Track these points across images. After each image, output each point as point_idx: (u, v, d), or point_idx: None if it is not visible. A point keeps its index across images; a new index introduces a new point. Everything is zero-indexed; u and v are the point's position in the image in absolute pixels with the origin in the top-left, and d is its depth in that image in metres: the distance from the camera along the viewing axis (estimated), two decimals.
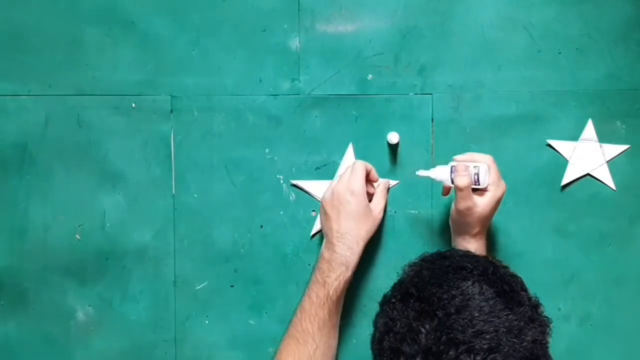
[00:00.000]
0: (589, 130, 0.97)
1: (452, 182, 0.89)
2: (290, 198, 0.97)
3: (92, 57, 0.97)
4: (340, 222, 0.89)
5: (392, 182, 0.97)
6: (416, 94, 0.97)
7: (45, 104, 0.97)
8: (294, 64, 0.97)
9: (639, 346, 0.98)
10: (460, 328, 0.65)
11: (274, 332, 0.92)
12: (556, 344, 0.97)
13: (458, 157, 0.90)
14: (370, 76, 0.97)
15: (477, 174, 0.87)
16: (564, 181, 0.97)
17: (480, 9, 0.97)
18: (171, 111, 0.97)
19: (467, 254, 0.75)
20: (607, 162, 0.98)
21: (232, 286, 0.98)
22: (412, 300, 0.69)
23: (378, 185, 0.95)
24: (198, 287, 0.98)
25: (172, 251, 0.97)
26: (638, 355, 0.98)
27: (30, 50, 0.97)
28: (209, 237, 0.98)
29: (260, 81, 0.97)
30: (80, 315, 0.97)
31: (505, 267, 0.73)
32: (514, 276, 0.72)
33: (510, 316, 0.66)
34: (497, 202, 0.88)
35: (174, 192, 0.97)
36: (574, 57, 0.97)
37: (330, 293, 0.87)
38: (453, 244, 0.92)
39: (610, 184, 0.97)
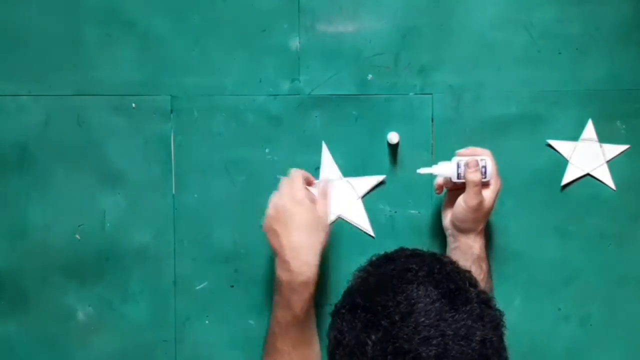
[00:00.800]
0: (589, 130, 0.97)
1: (458, 177, 0.88)
2: None
3: (92, 57, 0.97)
4: (291, 237, 0.85)
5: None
6: (416, 94, 0.97)
7: (45, 104, 0.97)
8: (294, 64, 0.97)
9: (639, 346, 0.98)
10: (405, 336, 0.63)
11: None
12: (556, 344, 0.98)
13: (461, 151, 0.90)
14: (370, 76, 0.97)
15: (485, 167, 0.88)
16: (564, 181, 0.97)
17: (480, 9, 0.97)
18: (171, 111, 0.97)
19: (414, 253, 0.72)
20: (607, 162, 0.98)
21: (232, 286, 0.98)
22: (359, 311, 0.67)
23: (317, 187, 0.92)
24: (198, 287, 0.98)
25: (172, 251, 0.97)
26: (638, 356, 0.98)
27: (30, 50, 0.97)
28: (209, 237, 0.98)
29: (260, 81, 0.97)
30: (80, 315, 0.97)
31: (453, 263, 0.71)
32: (461, 272, 0.70)
33: (456, 317, 0.64)
34: (496, 196, 0.89)
35: (174, 192, 0.97)
36: (574, 57, 0.97)
37: (297, 313, 0.84)
38: (453, 246, 0.90)
39: (610, 184, 0.97)
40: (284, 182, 0.89)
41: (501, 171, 0.96)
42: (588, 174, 0.98)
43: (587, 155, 0.97)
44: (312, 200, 0.89)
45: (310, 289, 0.85)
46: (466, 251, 0.89)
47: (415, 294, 0.65)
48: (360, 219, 0.97)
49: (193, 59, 0.97)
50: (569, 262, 0.98)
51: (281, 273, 0.85)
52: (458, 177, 0.88)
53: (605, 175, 0.98)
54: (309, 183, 0.93)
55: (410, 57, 0.97)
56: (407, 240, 0.97)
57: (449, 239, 0.92)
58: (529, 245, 0.98)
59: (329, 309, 0.94)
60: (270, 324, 0.88)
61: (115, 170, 0.97)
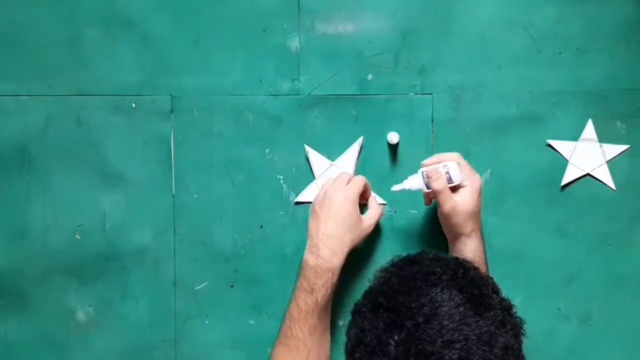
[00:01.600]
0: (589, 130, 0.97)
1: (428, 187, 0.89)
2: (290, 198, 0.97)
3: (92, 57, 0.97)
4: (328, 225, 0.88)
5: (385, 211, 0.96)
6: (416, 94, 0.97)
7: (45, 104, 0.97)
8: (294, 64, 0.97)
9: (639, 346, 0.98)
10: (429, 339, 0.63)
11: (274, 332, 0.92)
12: (556, 344, 0.98)
13: (425, 161, 0.90)
14: (370, 76, 0.97)
15: (448, 172, 0.88)
16: (564, 181, 0.97)
17: (480, 9, 0.97)
18: (171, 111, 0.97)
19: (437, 257, 0.73)
20: (607, 162, 0.98)
21: (232, 286, 0.98)
22: (381, 311, 0.67)
23: (374, 203, 0.94)
24: (198, 287, 0.98)
25: (172, 251, 0.97)
26: (638, 355, 0.98)
27: (30, 50, 0.97)
28: (209, 237, 0.97)
29: (260, 81, 0.97)
30: (80, 315, 0.97)
31: (476, 269, 0.72)
32: (484, 278, 0.71)
33: (480, 322, 0.64)
34: (478, 194, 0.88)
35: (174, 192, 0.97)
36: (574, 57, 0.97)
37: (319, 299, 0.86)
38: (450, 250, 0.91)
39: (610, 184, 0.97)
40: (342, 176, 0.91)
41: (501, 171, 0.97)
42: (588, 174, 0.98)
43: (587, 155, 0.97)
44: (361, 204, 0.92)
45: (334, 278, 0.87)
46: (463, 254, 0.89)
47: (439, 297, 0.66)
48: None
49: (193, 59, 0.97)
50: (569, 262, 0.98)
51: (310, 257, 0.88)
52: (427, 187, 0.89)
53: (605, 175, 0.98)
54: (365, 193, 0.94)
55: (410, 57, 0.97)
56: (407, 240, 0.97)
57: (449, 244, 0.92)
58: (529, 245, 0.98)
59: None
60: (289, 310, 0.89)
61: (115, 170, 0.97)
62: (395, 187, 0.91)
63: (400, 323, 0.65)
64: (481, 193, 0.88)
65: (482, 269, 0.87)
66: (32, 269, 0.97)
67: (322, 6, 0.97)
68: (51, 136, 0.97)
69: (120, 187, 0.97)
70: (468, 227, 0.88)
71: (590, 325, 0.98)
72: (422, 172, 0.89)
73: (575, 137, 0.98)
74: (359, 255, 0.96)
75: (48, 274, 0.97)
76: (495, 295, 0.69)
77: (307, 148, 0.96)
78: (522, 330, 0.68)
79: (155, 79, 0.97)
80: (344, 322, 0.96)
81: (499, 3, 0.97)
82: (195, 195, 0.97)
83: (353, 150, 0.96)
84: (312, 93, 0.97)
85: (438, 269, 0.69)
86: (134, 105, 0.97)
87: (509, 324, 0.67)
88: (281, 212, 0.97)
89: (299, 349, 0.86)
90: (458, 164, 0.88)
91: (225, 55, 0.97)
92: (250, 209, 0.97)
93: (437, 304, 0.65)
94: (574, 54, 0.97)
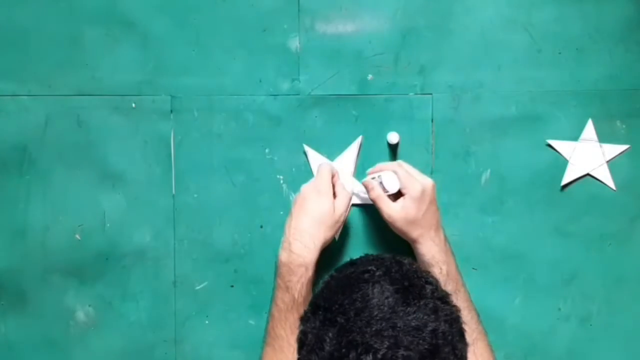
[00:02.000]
0: (589, 130, 0.97)
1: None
2: (290, 198, 0.97)
3: (92, 57, 0.97)
4: (300, 220, 0.89)
5: (355, 200, 0.96)
6: (416, 94, 0.97)
7: (45, 104, 0.97)
8: (294, 64, 0.97)
9: (639, 346, 0.98)
10: (358, 330, 0.65)
11: None
12: (556, 344, 0.98)
13: (369, 170, 0.94)
14: (370, 76, 0.97)
15: (381, 182, 0.90)
16: (564, 181, 0.97)
17: (480, 9, 0.97)
18: (171, 111, 0.97)
19: (376, 257, 0.75)
20: (607, 162, 0.98)
21: (232, 286, 0.98)
22: (320, 312, 0.69)
23: (342, 190, 0.94)
24: (198, 287, 0.98)
25: (172, 251, 0.97)
26: (638, 355, 0.98)
27: (30, 50, 0.97)
28: (209, 237, 0.98)
29: (260, 81, 0.97)
30: (80, 315, 0.97)
31: (412, 264, 0.73)
32: (418, 271, 0.72)
33: (408, 309, 0.66)
34: (419, 200, 0.88)
35: (174, 192, 0.97)
36: (574, 57, 0.97)
37: (296, 296, 0.87)
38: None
39: (610, 184, 0.97)
40: (316, 172, 0.93)
41: (501, 171, 0.97)
42: (588, 174, 0.98)
43: (587, 155, 0.97)
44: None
45: (308, 273, 0.88)
46: (417, 258, 0.91)
47: (370, 292, 0.68)
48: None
49: (193, 59, 0.97)
50: (569, 262, 0.98)
51: (282, 253, 0.89)
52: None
53: (605, 175, 0.98)
54: (334, 180, 0.94)
55: (410, 57, 0.97)
56: (405, 240, 0.97)
57: None
58: (529, 245, 0.98)
59: None
60: (270, 311, 0.90)
61: (115, 170, 0.97)
62: (355, 202, 0.95)
63: (334, 319, 0.67)
64: (427, 197, 0.89)
65: (447, 269, 0.89)
66: (32, 269, 0.97)
67: (322, 6, 0.97)
68: (51, 136, 0.97)
69: (120, 187, 0.97)
70: (413, 232, 0.89)
71: (590, 325, 0.98)
72: (362, 183, 0.93)
73: (575, 137, 0.98)
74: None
75: (48, 274, 0.97)
76: (428, 286, 0.70)
77: (306, 148, 0.96)
78: (458, 318, 0.70)
79: (155, 79, 0.97)
80: None
81: (499, 3, 0.97)
82: (195, 195, 0.97)
83: (352, 150, 0.96)
84: (312, 93, 0.97)
85: (373, 267, 0.71)
86: (134, 105, 0.97)
87: (441, 311, 0.68)
88: (281, 212, 0.97)
89: (283, 348, 0.87)
90: (395, 172, 0.90)
91: (225, 55, 0.97)
92: (250, 209, 0.97)
93: (367, 297, 0.67)
94: (574, 54, 0.97)
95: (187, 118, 0.97)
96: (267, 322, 0.90)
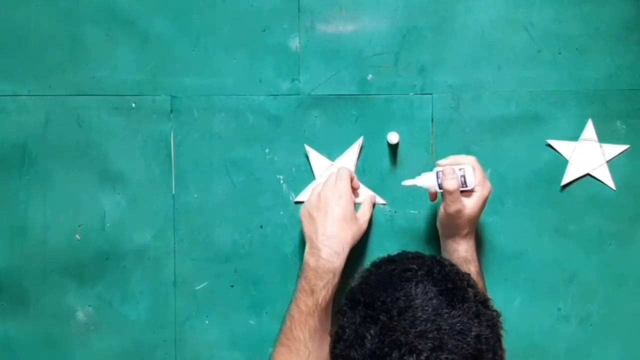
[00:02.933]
0: (589, 130, 0.97)
1: (440, 187, 0.88)
2: (290, 198, 0.97)
3: (92, 57, 0.97)
4: (327, 225, 0.88)
5: (379, 199, 0.97)
6: (416, 94, 0.97)
7: (45, 104, 0.97)
8: (294, 64, 0.97)
9: (639, 346, 0.98)
10: (402, 330, 0.65)
11: (274, 332, 0.92)
12: (556, 344, 0.98)
13: (441, 161, 0.90)
14: (370, 76, 0.97)
15: (464, 176, 0.88)
16: (564, 181, 0.97)
17: (480, 9, 0.97)
18: (171, 111, 0.97)
19: (415, 256, 0.74)
20: (607, 162, 0.98)
21: (232, 286, 0.98)
22: (359, 307, 0.69)
23: (365, 198, 0.95)
24: (198, 287, 0.98)
25: (172, 251, 0.97)
26: (638, 355, 0.98)
27: (30, 50, 0.97)
28: (209, 237, 0.98)
29: (260, 81, 0.97)
30: (80, 315, 0.97)
31: (453, 266, 0.74)
32: (460, 273, 0.72)
33: (453, 313, 0.66)
34: (484, 202, 0.89)
35: (174, 192, 0.97)
36: (574, 57, 0.97)
37: (320, 301, 0.87)
38: (442, 247, 0.92)
39: (610, 184, 0.97)
40: (331, 177, 0.92)
41: (501, 171, 0.97)
42: (588, 174, 0.98)
43: (587, 155, 0.97)
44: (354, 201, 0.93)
45: (335, 279, 0.87)
46: (452, 253, 0.90)
47: (413, 291, 0.68)
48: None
49: (193, 59, 0.97)
50: (569, 262, 0.98)
51: (310, 258, 0.88)
52: (440, 187, 0.89)
53: (605, 175, 0.98)
54: (352, 183, 0.94)
55: (410, 57, 0.97)
56: (407, 240, 0.97)
57: (441, 240, 0.93)
58: (529, 245, 0.98)
59: None
60: (289, 311, 0.89)
61: (115, 170, 0.97)
62: (407, 182, 0.91)
63: (376, 317, 0.67)
64: (487, 201, 0.89)
65: (475, 268, 0.89)
66: (32, 269, 0.97)
67: (322, 6, 0.97)
68: (51, 136, 0.97)
69: (120, 187, 0.97)
70: (465, 229, 0.89)
71: (590, 325, 0.98)
72: (437, 172, 0.89)
73: (575, 137, 0.98)
74: (359, 257, 0.96)
75: (48, 274, 0.97)
76: (470, 289, 0.70)
77: (307, 148, 0.96)
78: (498, 322, 0.70)
79: (155, 79, 0.97)
80: None
81: (499, 3, 0.97)
82: (195, 195, 0.97)
83: (353, 151, 0.96)
84: (312, 93, 0.97)
85: (414, 266, 0.71)
86: (134, 105, 0.97)
87: (483, 315, 0.68)
88: (281, 212, 0.97)
89: (299, 350, 0.86)
90: (473, 168, 0.88)
91: (225, 55, 0.97)
92: (250, 209, 0.97)
93: (411, 297, 0.67)
94: (574, 54, 0.97)
95: (187, 118, 0.97)
96: (284, 322, 0.89)
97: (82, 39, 0.97)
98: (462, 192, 0.87)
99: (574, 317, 0.98)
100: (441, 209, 0.89)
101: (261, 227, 0.97)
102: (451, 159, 0.90)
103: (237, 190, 0.97)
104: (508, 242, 0.98)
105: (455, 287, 0.69)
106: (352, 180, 0.93)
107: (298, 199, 0.97)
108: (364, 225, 0.92)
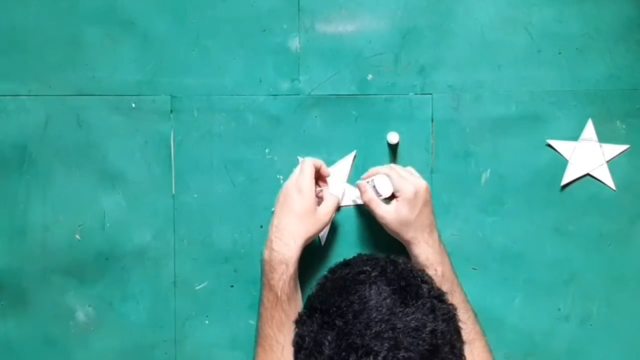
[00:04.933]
0: (589, 130, 0.97)
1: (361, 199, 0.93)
2: None
3: (92, 57, 0.97)
4: (281, 218, 0.90)
5: (357, 200, 0.96)
6: (416, 94, 0.97)
7: (45, 104, 0.97)
8: (294, 64, 0.97)
9: (639, 346, 0.98)
10: (358, 332, 0.65)
11: None
12: (556, 344, 0.98)
13: (363, 175, 0.95)
14: (370, 76, 0.97)
15: (374, 187, 0.91)
16: (564, 181, 0.97)
17: (480, 9, 0.97)
18: (171, 111, 0.97)
19: (370, 258, 0.74)
20: (607, 162, 0.98)
21: (232, 286, 0.98)
22: (316, 314, 0.69)
23: (331, 192, 0.95)
24: (198, 287, 0.98)
25: (172, 251, 0.97)
26: (638, 355, 0.98)
27: (30, 50, 0.97)
28: (209, 237, 0.98)
29: (260, 81, 0.97)
30: (80, 315, 0.97)
31: (407, 264, 0.73)
32: (413, 271, 0.72)
33: (407, 310, 0.66)
34: (412, 202, 0.88)
35: (174, 192, 0.97)
36: (574, 57, 0.97)
37: (279, 294, 0.88)
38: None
39: (610, 184, 0.97)
40: (297, 169, 0.93)
41: (501, 171, 0.97)
42: (588, 174, 0.98)
43: (587, 155, 0.97)
44: (318, 194, 0.93)
45: (289, 270, 0.88)
46: (415, 259, 0.90)
47: (367, 293, 0.68)
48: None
49: (193, 59, 0.97)
50: (569, 262, 0.98)
51: (265, 252, 0.90)
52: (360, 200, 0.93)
53: (605, 175, 0.98)
54: (322, 174, 0.94)
55: (410, 57, 0.97)
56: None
57: None
58: (529, 245, 0.98)
59: None
60: (258, 311, 0.90)
61: (115, 170, 0.97)
62: (347, 204, 0.96)
63: (332, 322, 0.67)
64: (420, 200, 0.89)
65: (442, 270, 0.89)
66: (32, 269, 0.97)
67: (322, 6, 0.97)
68: (51, 136, 0.97)
69: (120, 187, 0.97)
70: (407, 234, 0.89)
71: (590, 325, 0.98)
72: (358, 185, 0.93)
73: (575, 137, 0.98)
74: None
75: (48, 274, 0.97)
76: (424, 285, 0.70)
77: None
78: (454, 315, 0.70)
79: (155, 79, 0.97)
80: None
81: (499, 3, 0.97)
82: (195, 195, 0.97)
83: (347, 161, 0.96)
84: (312, 93, 0.97)
85: (368, 268, 0.71)
86: (134, 105, 0.97)
87: (438, 310, 0.68)
88: None
89: (272, 347, 0.87)
90: (388, 176, 0.90)
91: (225, 55, 0.97)
92: (250, 209, 0.97)
93: (365, 299, 0.67)
94: (574, 54, 0.97)
95: (187, 118, 0.97)
96: (257, 323, 0.91)
97: (82, 39, 0.97)
98: (385, 200, 0.91)
99: (574, 317, 0.98)
100: None
101: (261, 227, 0.97)
102: (370, 171, 0.94)
103: (237, 190, 0.97)
104: (508, 242, 0.98)
105: (408, 284, 0.69)
106: (320, 169, 0.94)
107: None
108: (325, 218, 0.92)
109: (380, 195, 0.91)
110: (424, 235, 0.89)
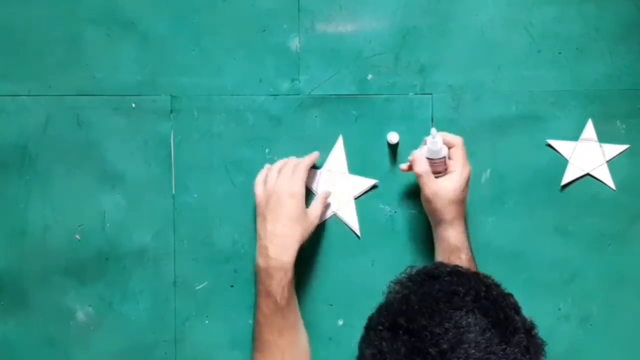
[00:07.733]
0: (589, 130, 0.97)
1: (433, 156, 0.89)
2: None
3: (92, 57, 0.97)
4: (276, 224, 0.89)
5: (337, 212, 0.96)
6: (416, 94, 0.97)
7: (45, 104, 0.97)
8: (294, 64, 0.97)
9: (639, 346, 0.98)
10: None
11: None
12: (556, 344, 0.98)
13: (426, 138, 0.89)
14: (370, 76, 0.97)
15: (429, 148, 0.88)
16: (564, 181, 0.97)
17: (480, 9, 0.97)
18: (171, 111, 0.97)
19: (456, 271, 0.69)
20: (607, 162, 0.98)
21: (232, 286, 0.98)
22: (401, 332, 0.63)
23: (319, 194, 0.95)
24: (198, 287, 0.98)
25: (172, 251, 0.97)
26: (638, 355, 0.98)
27: (30, 50, 0.97)
28: (209, 237, 0.97)
29: (260, 81, 0.97)
30: (80, 315, 0.97)
31: (498, 286, 0.69)
32: (507, 297, 0.68)
33: (507, 350, 0.62)
34: (464, 182, 0.88)
35: (174, 192, 0.97)
36: (574, 57, 0.97)
37: (278, 300, 0.87)
38: (434, 237, 0.91)
39: (610, 184, 0.97)
40: (286, 169, 0.92)
41: (501, 171, 0.97)
42: (588, 174, 0.98)
43: (587, 155, 0.97)
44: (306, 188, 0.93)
45: (288, 275, 0.87)
46: (442, 241, 0.89)
47: (464, 322, 0.63)
48: (351, 219, 0.97)
49: (193, 59, 0.97)
50: (569, 262, 0.98)
51: (260, 259, 0.89)
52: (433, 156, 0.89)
53: (605, 175, 0.98)
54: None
55: (410, 57, 0.97)
56: (407, 240, 0.97)
57: (432, 230, 0.93)
58: (529, 245, 0.98)
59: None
60: (256, 317, 0.90)
61: (115, 170, 0.97)
62: (402, 167, 0.93)
63: (425, 350, 0.62)
64: (468, 183, 0.89)
65: (466, 256, 0.88)
66: (32, 269, 0.97)
67: (322, 6, 0.97)
68: (51, 136, 0.97)
69: (120, 187, 0.97)
70: (449, 214, 0.88)
71: (590, 325, 0.98)
72: (410, 157, 0.91)
73: (575, 137, 0.98)
74: (359, 257, 0.96)
75: (48, 274, 0.97)
76: (518, 317, 0.66)
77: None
78: (543, 352, 0.66)
79: (155, 79, 0.97)
80: (343, 321, 0.96)
81: (499, 3, 0.97)
82: (195, 195, 0.97)
83: (338, 150, 0.96)
84: (312, 93, 0.97)
85: (460, 288, 0.66)
86: (134, 105, 0.97)
87: (532, 347, 0.65)
88: None
89: (272, 353, 0.87)
90: (455, 145, 0.89)
91: (225, 55, 0.97)
92: (250, 209, 0.97)
93: (462, 329, 0.62)
94: (574, 54, 0.97)
95: (187, 118, 0.97)
96: (254, 329, 0.91)
97: (82, 39, 0.97)
98: (439, 174, 0.89)
99: (574, 317, 0.98)
100: (421, 195, 0.89)
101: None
102: (440, 135, 0.90)
103: (237, 190, 0.97)
104: (508, 242, 0.98)
105: (506, 316, 0.65)
106: (311, 170, 0.94)
107: None
108: (315, 221, 0.92)
109: (433, 158, 0.88)
110: (461, 219, 0.89)
